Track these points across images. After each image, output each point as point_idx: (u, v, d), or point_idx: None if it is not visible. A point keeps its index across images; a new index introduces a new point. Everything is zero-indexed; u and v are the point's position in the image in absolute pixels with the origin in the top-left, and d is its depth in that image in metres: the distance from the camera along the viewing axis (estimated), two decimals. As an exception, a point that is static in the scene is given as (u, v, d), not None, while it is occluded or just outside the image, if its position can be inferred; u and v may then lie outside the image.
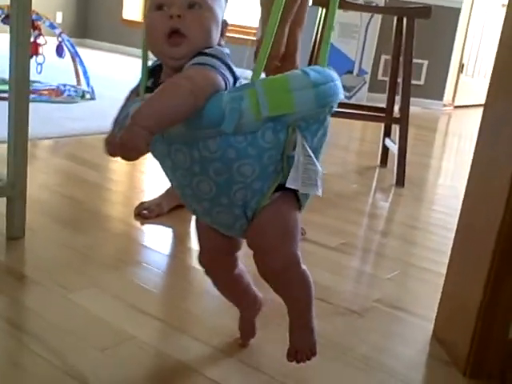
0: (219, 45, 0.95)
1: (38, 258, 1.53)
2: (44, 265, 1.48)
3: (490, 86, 1.19)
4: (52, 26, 3.89)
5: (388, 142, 2.96)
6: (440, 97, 5.83)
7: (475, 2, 5.80)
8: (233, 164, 0.89)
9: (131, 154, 0.79)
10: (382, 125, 3.06)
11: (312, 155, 0.93)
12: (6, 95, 1.57)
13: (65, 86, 3.71)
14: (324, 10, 2.54)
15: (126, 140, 0.79)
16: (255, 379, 1.13)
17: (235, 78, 0.89)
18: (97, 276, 1.46)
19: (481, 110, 1.26)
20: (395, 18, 2.81)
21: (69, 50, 3.92)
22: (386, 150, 3.03)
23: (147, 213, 1.89)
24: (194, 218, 1.07)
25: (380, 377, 1.17)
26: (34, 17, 3.71)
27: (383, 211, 2.43)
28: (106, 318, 1.26)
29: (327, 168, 2.86)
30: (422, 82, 5.67)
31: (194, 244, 1.70)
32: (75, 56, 3.91)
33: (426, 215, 2.38)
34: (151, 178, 2.33)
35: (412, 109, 2.73)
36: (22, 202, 1.58)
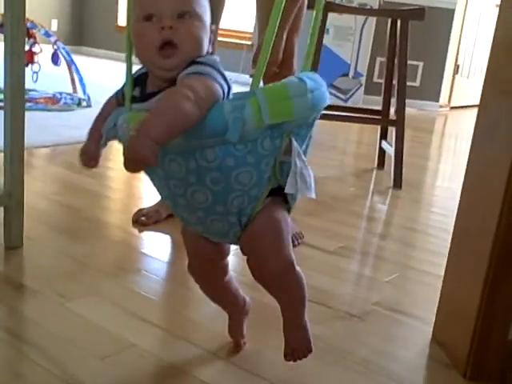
0: (211, 52, 0.95)
1: (36, 267, 1.53)
2: (43, 274, 1.48)
3: (483, 88, 1.20)
4: (47, 34, 3.90)
5: (384, 144, 2.96)
6: (436, 98, 5.85)
7: (469, 2, 5.82)
8: (231, 172, 0.89)
9: (139, 165, 0.79)
10: (379, 127, 3.07)
11: (305, 160, 0.94)
12: (1, 104, 1.57)
13: (61, 93, 3.72)
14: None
15: (134, 152, 0.77)
16: (256, 385, 1.13)
17: (228, 86, 0.89)
18: (96, 284, 1.46)
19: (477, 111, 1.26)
20: (389, 21, 2.82)
21: (64, 58, 3.93)
22: (382, 152, 3.04)
23: (145, 219, 1.89)
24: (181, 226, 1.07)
25: (380, 380, 1.17)
26: (28, 25, 3.71)
27: (381, 214, 2.43)
28: (106, 326, 1.26)
29: (324, 171, 2.86)
30: (417, 84, 5.69)
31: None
32: (71, 64, 3.92)
33: (425, 217, 2.39)
34: (149, 184, 2.32)
35: (408, 110, 2.73)
36: (19, 211, 1.58)
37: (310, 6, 2.48)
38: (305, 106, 0.88)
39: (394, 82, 2.73)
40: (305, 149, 0.97)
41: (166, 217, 1.92)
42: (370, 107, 3.44)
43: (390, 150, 2.77)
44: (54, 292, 1.38)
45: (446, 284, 1.32)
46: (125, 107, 0.94)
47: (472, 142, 1.24)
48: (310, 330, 1.07)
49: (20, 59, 1.51)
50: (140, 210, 1.93)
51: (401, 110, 2.65)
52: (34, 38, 3.81)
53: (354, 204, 2.43)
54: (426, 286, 1.63)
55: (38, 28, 3.84)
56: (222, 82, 0.87)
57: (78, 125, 3.25)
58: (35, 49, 3.85)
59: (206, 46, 0.92)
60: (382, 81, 2.96)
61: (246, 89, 0.89)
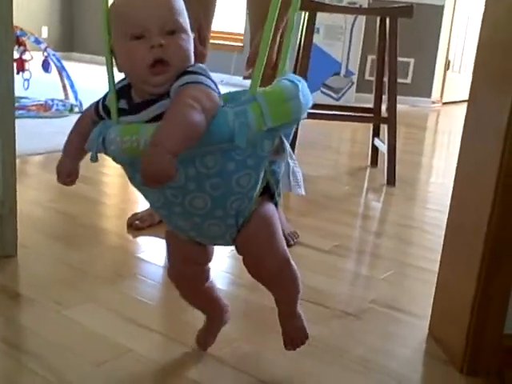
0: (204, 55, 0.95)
1: (32, 276, 1.53)
2: (38, 282, 1.48)
3: (472, 84, 1.20)
4: (37, 42, 3.89)
5: (377, 141, 2.97)
6: (428, 94, 5.86)
7: (458, -2, 5.84)
8: (232, 177, 0.90)
9: (161, 180, 0.78)
10: (371, 125, 3.08)
11: (295, 158, 0.97)
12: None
13: (53, 100, 3.72)
14: (307, 14, 2.56)
15: (155, 167, 0.77)
16: (254, 387, 1.13)
17: (218, 92, 0.90)
18: (92, 291, 1.46)
19: (469, 106, 1.27)
20: (378, 19, 2.83)
21: (55, 65, 3.93)
22: (375, 150, 3.04)
23: (139, 223, 1.89)
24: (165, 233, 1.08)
25: (378, 378, 1.17)
26: (18, 33, 3.71)
27: (375, 212, 2.43)
28: (103, 332, 1.26)
29: (318, 171, 2.87)
30: (409, 81, 5.70)
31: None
32: (61, 70, 3.92)
33: (419, 214, 2.40)
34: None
35: (400, 107, 2.74)
36: (13, 220, 1.58)
37: (303, 7, 2.49)
38: (299, 108, 0.90)
39: (385, 79, 2.73)
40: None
41: (159, 220, 1.92)
42: (362, 105, 3.45)
43: (383, 147, 2.78)
44: (51, 300, 1.38)
45: (440, 280, 1.33)
46: (111, 120, 0.93)
47: (462, 138, 1.25)
48: (303, 318, 1.12)
49: (9, 67, 1.51)
50: (134, 215, 1.93)
51: (392, 107, 2.66)
52: (24, 45, 3.81)
53: (349, 202, 2.43)
54: (423, 282, 1.64)
55: (28, 36, 3.84)
56: (215, 88, 0.88)
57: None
58: (25, 56, 3.86)
59: (192, 56, 0.92)
60: (374, 78, 2.97)
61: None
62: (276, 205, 1.03)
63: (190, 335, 1.28)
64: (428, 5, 5.48)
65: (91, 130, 0.96)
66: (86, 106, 0.97)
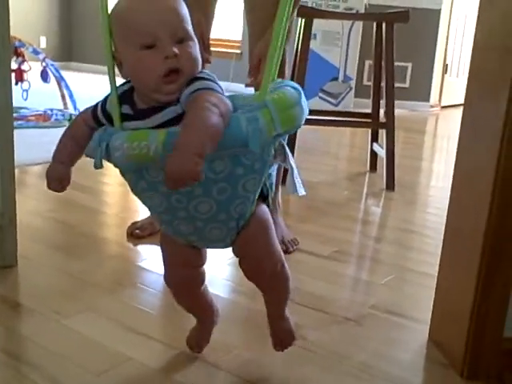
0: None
1: (32, 286, 1.53)
2: (38, 292, 1.48)
3: (467, 88, 1.21)
4: (35, 52, 3.91)
5: (376, 146, 2.97)
6: (426, 98, 5.87)
7: (454, 2, 5.85)
8: (239, 181, 0.92)
9: (189, 182, 0.79)
10: (370, 130, 3.08)
11: (294, 160, 1.00)
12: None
13: (52, 110, 3.73)
14: (303, 21, 2.56)
15: (183, 170, 0.77)
16: (254, 394, 1.13)
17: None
18: (93, 300, 1.46)
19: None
20: (374, 24, 2.84)
21: (53, 75, 3.94)
22: (374, 155, 3.05)
23: (140, 232, 1.89)
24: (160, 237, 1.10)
25: (378, 383, 1.17)
26: (16, 43, 3.73)
27: (375, 217, 2.43)
28: (103, 341, 1.26)
29: (318, 176, 2.87)
30: (407, 85, 5.71)
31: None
32: (60, 80, 3.93)
33: (419, 218, 2.40)
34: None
35: (399, 112, 2.75)
36: (12, 230, 1.58)
37: (299, 14, 2.50)
38: (302, 113, 0.92)
39: (383, 84, 2.74)
40: None
41: (160, 229, 1.92)
42: (360, 110, 3.45)
43: (382, 152, 2.78)
44: (51, 310, 1.38)
45: (439, 284, 1.33)
46: (115, 127, 0.93)
47: (459, 142, 1.25)
48: (291, 320, 1.16)
49: (7, 77, 1.51)
50: (134, 223, 1.93)
51: (390, 112, 2.66)
52: (23, 56, 3.83)
53: (348, 208, 2.44)
54: (423, 287, 1.63)
55: (26, 46, 3.85)
56: (223, 93, 0.90)
57: (69, 141, 3.26)
58: (24, 67, 3.88)
59: (201, 62, 0.93)
60: (371, 84, 2.98)
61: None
62: (268, 206, 1.06)
63: (190, 343, 1.28)
64: (425, 9, 5.49)
65: (86, 135, 0.96)
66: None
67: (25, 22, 6.78)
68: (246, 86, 1.65)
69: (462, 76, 6.22)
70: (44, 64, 3.92)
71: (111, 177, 2.54)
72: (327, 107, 5.14)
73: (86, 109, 0.98)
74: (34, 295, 1.46)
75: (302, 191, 0.99)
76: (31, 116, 3.61)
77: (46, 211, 2.11)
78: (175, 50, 0.88)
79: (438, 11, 5.64)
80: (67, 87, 3.92)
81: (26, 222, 1.91)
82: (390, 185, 2.68)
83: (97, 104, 0.97)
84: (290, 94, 0.92)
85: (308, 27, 2.56)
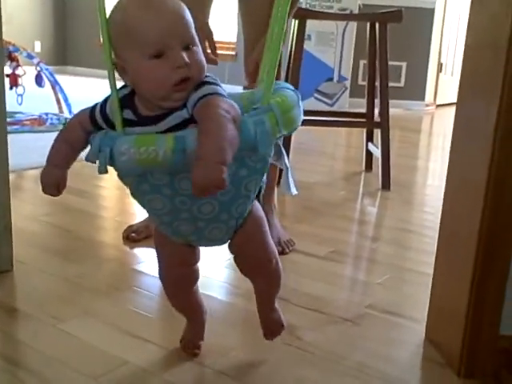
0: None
1: (28, 291, 1.52)
2: (35, 297, 1.48)
3: (459, 87, 1.21)
4: (30, 56, 3.91)
5: (371, 146, 2.97)
6: (421, 97, 5.88)
7: (448, 1, 5.87)
8: (242, 182, 0.94)
9: (215, 190, 0.80)
10: (365, 130, 3.09)
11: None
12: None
13: (47, 114, 3.72)
14: (297, 21, 2.57)
15: (210, 178, 0.78)
16: (252, 395, 1.13)
17: None
18: (89, 304, 1.45)
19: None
20: (368, 24, 2.84)
21: (48, 79, 3.94)
22: (369, 154, 3.05)
23: (135, 235, 1.89)
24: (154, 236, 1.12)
25: (376, 383, 1.17)
26: (11, 48, 3.72)
27: (371, 216, 2.44)
28: (99, 345, 1.26)
29: (313, 177, 2.87)
30: (402, 84, 5.72)
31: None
32: (55, 84, 3.93)
33: (415, 217, 2.40)
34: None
35: (394, 111, 2.75)
36: (7, 235, 1.58)
37: (295, 16, 2.50)
38: (300, 114, 0.96)
39: (377, 84, 2.74)
40: None
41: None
42: (355, 110, 3.46)
43: (377, 152, 2.79)
44: (47, 314, 1.38)
45: (435, 283, 1.33)
46: (117, 131, 0.92)
47: (452, 142, 1.26)
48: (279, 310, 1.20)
49: (0, 83, 1.51)
50: (130, 227, 1.93)
51: (384, 111, 2.66)
52: (17, 60, 3.82)
53: (344, 208, 2.44)
54: (420, 286, 1.63)
55: (21, 51, 3.85)
56: (227, 96, 0.91)
57: (65, 145, 3.26)
58: (18, 71, 3.87)
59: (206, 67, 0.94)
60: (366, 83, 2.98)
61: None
62: (259, 201, 1.08)
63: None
64: (418, 8, 5.51)
65: (81, 139, 0.95)
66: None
67: (19, 27, 6.77)
68: (245, 88, 1.66)
69: (456, 74, 6.22)
70: (38, 68, 3.92)
71: (107, 180, 2.54)
72: (322, 107, 5.15)
73: (82, 111, 0.97)
74: (31, 300, 1.46)
75: (294, 191, 1.02)
76: (26, 120, 3.60)
77: (42, 215, 2.11)
78: (186, 59, 0.88)
79: (432, 10, 5.66)
80: (62, 91, 3.92)
81: (22, 226, 1.90)
82: (386, 184, 2.69)
83: (94, 106, 0.96)
84: (290, 97, 0.95)
85: (302, 28, 2.57)
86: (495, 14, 1.08)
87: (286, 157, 1.01)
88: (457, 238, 1.23)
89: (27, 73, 3.96)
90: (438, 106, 6.04)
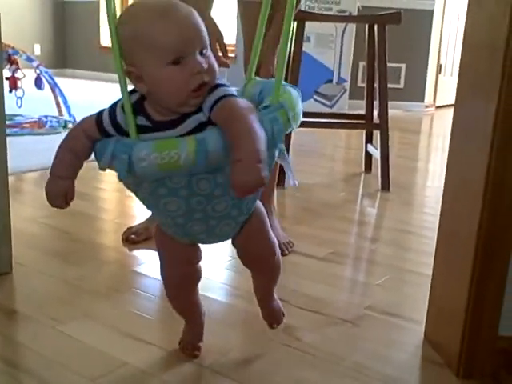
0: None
1: (27, 293, 1.52)
2: (34, 299, 1.48)
3: (458, 88, 1.21)
4: (29, 59, 3.91)
5: (370, 147, 2.98)
6: (421, 98, 5.89)
7: (447, 2, 5.88)
8: None
9: (256, 189, 0.83)
10: (364, 131, 3.09)
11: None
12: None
13: (46, 117, 3.73)
14: (296, 23, 2.57)
15: (254, 179, 0.81)
16: (251, 397, 1.13)
17: None
18: (89, 306, 1.46)
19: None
20: (367, 26, 2.85)
21: (47, 82, 3.94)
22: (369, 156, 3.05)
23: (135, 237, 1.89)
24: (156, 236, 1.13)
25: (375, 384, 1.18)
26: (10, 51, 3.73)
27: (370, 218, 2.44)
28: (98, 347, 1.26)
29: (313, 178, 2.88)
30: (401, 86, 5.73)
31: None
32: (54, 87, 3.93)
33: (415, 218, 2.40)
34: (139, 202, 2.32)
35: (394, 112, 2.76)
36: (7, 237, 1.58)
37: (294, 18, 2.51)
38: (301, 112, 0.98)
39: (376, 85, 2.75)
40: None
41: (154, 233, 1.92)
42: (355, 112, 3.46)
43: (376, 153, 2.79)
44: (47, 316, 1.38)
45: (434, 284, 1.33)
46: (132, 138, 0.91)
47: (450, 143, 1.25)
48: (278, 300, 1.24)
49: (0, 86, 1.52)
50: (129, 228, 1.93)
51: (383, 113, 2.67)
52: (16, 63, 3.83)
53: (344, 209, 2.44)
54: (419, 287, 1.63)
55: (20, 54, 3.86)
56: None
57: (65, 147, 3.26)
58: (18, 74, 3.88)
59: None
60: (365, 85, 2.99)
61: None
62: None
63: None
64: (418, 10, 5.52)
65: (86, 148, 0.94)
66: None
67: (19, 30, 6.78)
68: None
69: (456, 76, 6.23)
70: (38, 71, 3.93)
71: (107, 183, 2.55)
72: (322, 109, 5.16)
73: (85, 119, 0.95)
74: (30, 302, 1.46)
75: (295, 181, 1.05)
76: (26, 123, 3.61)
77: (42, 218, 2.11)
78: (204, 64, 0.89)
79: (431, 11, 5.66)
80: (61, 94, 3.92)
81: (22, 228, 1.91)
82: (385, 185, 2.69)
83: (99, 114, 0.94)
84: (294, 94, 0.98)
85: (301, 30, 2.57)
86: (493, 15, 1.08)
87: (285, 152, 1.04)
88: (456, 238, 1.23)
89: (27, 75, 3.97)
90: (438, 107, 6.04)
